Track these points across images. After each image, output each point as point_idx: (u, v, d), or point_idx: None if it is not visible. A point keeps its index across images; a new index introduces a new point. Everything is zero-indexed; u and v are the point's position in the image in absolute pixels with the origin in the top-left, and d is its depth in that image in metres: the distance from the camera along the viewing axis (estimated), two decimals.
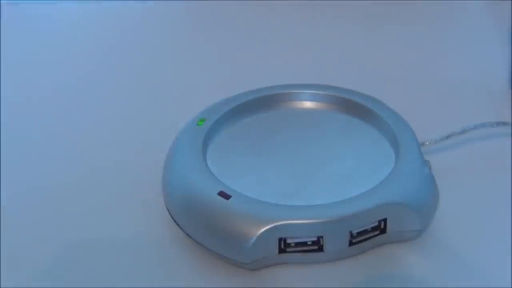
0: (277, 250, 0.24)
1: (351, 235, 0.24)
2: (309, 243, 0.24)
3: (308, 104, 0.30)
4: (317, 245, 0.24)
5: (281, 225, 0.23)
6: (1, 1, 0.44)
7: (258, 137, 0.28)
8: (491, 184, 0.28)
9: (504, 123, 0.30)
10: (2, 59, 0.38)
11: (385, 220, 0.24)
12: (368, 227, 0.24)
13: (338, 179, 0.26)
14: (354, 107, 0.30)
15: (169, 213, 0.26)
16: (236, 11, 0.37)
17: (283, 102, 0.30)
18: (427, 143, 0.28)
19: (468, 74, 0.36)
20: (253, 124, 0.29)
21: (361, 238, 0.24)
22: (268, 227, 0.23)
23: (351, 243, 0.24)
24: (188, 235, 0.25)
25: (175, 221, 0.25)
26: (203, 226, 0.24)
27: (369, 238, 0.24)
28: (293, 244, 0.23)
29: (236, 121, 0.29)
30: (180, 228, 0.25)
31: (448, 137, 0.29)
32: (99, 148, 0.31)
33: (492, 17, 0.42)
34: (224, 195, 0.24)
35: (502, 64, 0.36)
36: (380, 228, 0.24)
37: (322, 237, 0.23)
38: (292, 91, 0.30)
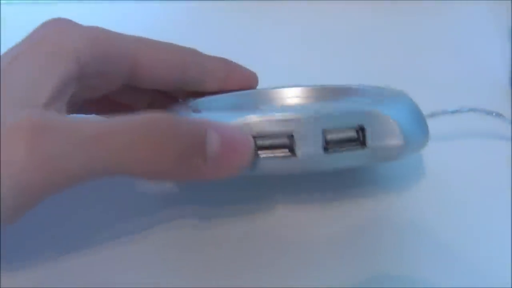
0: None
1: (326, 140, 0.23)
2: (281, 144, 0.23)
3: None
4: (289, 147, 0.23)
5: (251, 122, 0.22)
6: (1, 2, 0.44)
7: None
8: (490, 183, 0.28)
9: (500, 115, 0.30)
10: None
11: (362, 129, 0.23)
12: (345, 133, 0.23)
13: None
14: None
15: None
16: (235, 11, 0.37)
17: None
18: None
19: (468, 74, 0.36)
20: None
21: (337, 147, 0.23)
22: (237, 122, 0.22)
23: (326, 149, 0.23)
24: None
25: None
26: None
27: (347, 149, 0.23)
28: (264, 146, 0.23)
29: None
30: None
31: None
32: None
33: (492, 17, 0.42)
34: (196, 111, 0.24)
35: (503, 64, 0.36)
36: (359, 140, 0.23)
37: (292, 136, 0.22)
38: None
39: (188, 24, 0.43)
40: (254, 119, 0.22)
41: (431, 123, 0.26)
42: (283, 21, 0.43)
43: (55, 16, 0.25)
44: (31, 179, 0.20)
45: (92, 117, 0.21)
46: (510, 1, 0.43)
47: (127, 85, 0.26)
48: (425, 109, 0.26)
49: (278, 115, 0.22)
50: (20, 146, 0.19)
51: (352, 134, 0.23)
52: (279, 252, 0.25)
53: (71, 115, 0.24)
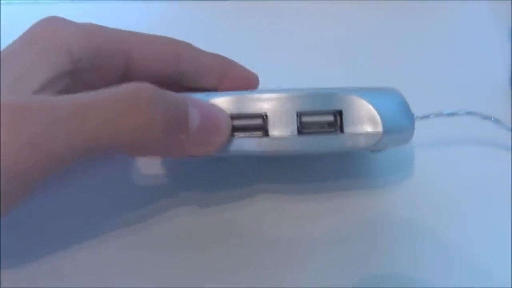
0: None
1: (301, 122, 0.23)
2: (256, 124, 0.23)
3: None
4: (262, 127, 0.23)
5: (226, 101, 0.23)
6: (1, 2, 0.44)
7: None
8: (490, 184, 0.28)
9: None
10: None
11: (340, 113, 0.23)
12: (321, 117, 0.23)
13: None
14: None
15: None
16: (234, 11, 0.37)
17: None
18: None
19: (468, 74, 0.36)
20: None
21: (313, 130, 0.23)
22: (214, 101, 0.23)
23: (300, 132, 0.23)
24: None
25: None
26: None
27: (323, 133, 0.23)
28: (240, 126, 0.23)
29: None
30: None
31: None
32: None
33: (492, 17, 0.42)
34: None
35: (503, 64, 0.36)
36: (336, 124, 0.23)
37: (266, 116, 0.23)
38: None
39: (188, 24, 0.43)
40: (229, 99, 0.23)
41: (428, 125, 0.26)
42: (283, 21, 0.43)
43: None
44: (15, 161, 0.19)
45: (76, 94, 0.21)
46: (510, 1, 0.43)
47: (122, 80, 0.26)
48: (423, 110, 0.27)
49: (252, 95, 0.23)
50: (3, 129, 0.19)
51: (329, 118, 0.23)
52: (273, 249, 0.25)
53: (54, 96, 0.23)
